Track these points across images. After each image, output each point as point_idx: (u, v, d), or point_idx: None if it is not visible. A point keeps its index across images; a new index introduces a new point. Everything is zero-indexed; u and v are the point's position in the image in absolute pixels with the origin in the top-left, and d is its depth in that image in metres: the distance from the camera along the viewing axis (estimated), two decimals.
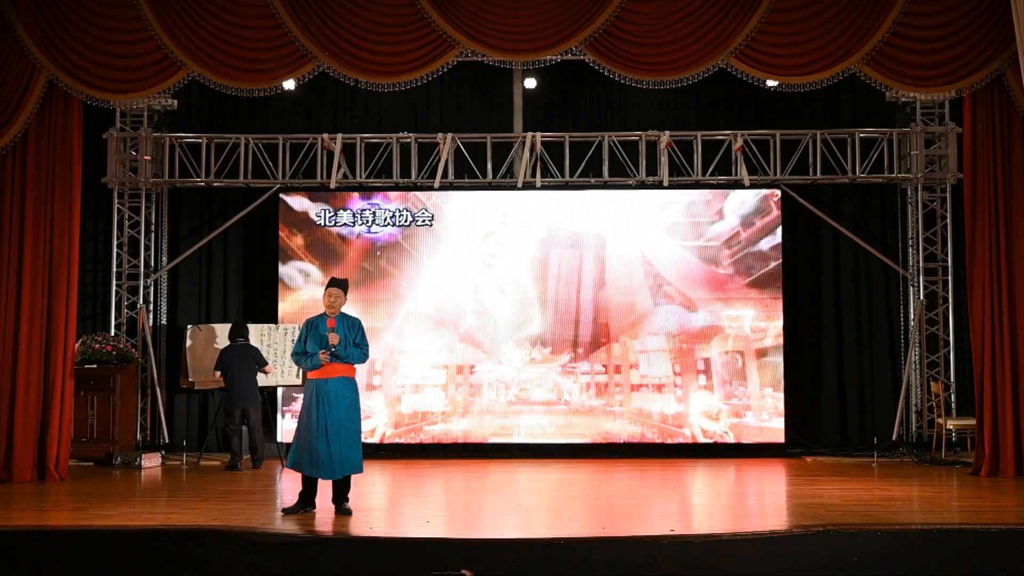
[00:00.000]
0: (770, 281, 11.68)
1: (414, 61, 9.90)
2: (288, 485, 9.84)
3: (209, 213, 12.44)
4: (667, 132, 11.66)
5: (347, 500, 7.85)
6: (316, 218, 11.88)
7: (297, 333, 11.21)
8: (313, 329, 7.83)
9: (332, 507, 7.81)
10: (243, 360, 10.79)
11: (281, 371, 11.31)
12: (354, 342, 7.83)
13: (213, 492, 9.10)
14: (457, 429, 11.75)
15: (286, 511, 7.79)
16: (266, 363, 10.92)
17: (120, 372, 11.23)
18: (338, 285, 7.88)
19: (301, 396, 8.02)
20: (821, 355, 12.21)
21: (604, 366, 11.76)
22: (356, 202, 11.90)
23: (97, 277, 12.33)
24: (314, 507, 7.84)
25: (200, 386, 11.27)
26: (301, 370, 11.22)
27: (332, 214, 11.88)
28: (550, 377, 11.81)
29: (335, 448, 7.64)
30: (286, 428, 11.71)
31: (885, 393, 12.08)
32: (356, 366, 7.91)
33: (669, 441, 11.63)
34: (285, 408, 11.73)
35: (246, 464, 10.81)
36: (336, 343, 7.69)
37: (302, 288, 11.86)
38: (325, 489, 7.87)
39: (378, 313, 11.81)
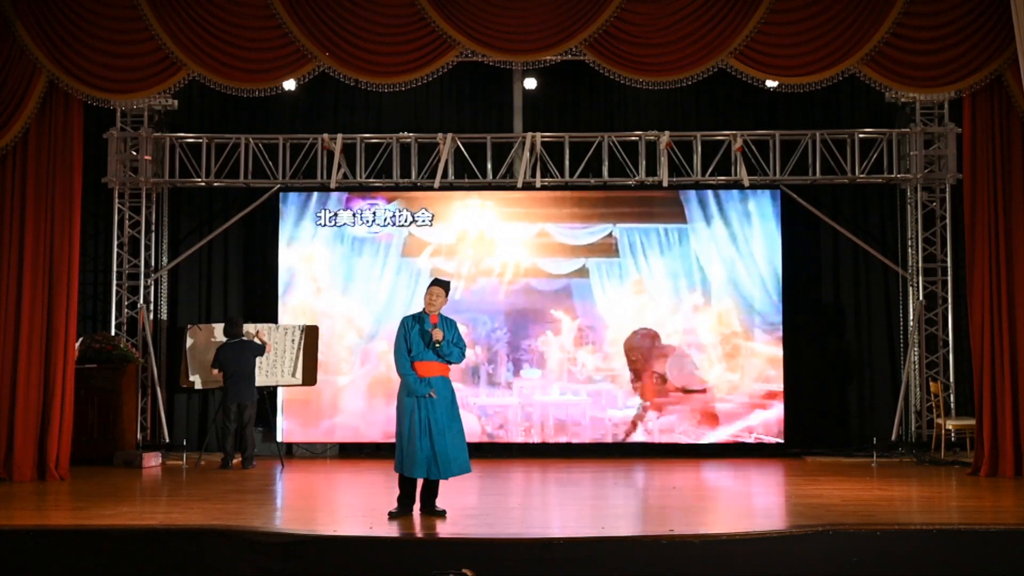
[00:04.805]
0: (770, 281, 11.69)
1: (414, 61, 9.90)
2: (289, 484, 9.85)
3: (209, 213, 12.44)
4: (667, 132, 11.66)
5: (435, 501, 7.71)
6: (316, 218, 11.89)
7: (296, 333, 11.31)
8: (415, 328, 7.66)
9: (331, 507, 7.79)
10: (240, 356, 10.80)
11: (281, 371, 11.31)
12: (452, 341, 7.70)
13: (213, 492, 9.09)
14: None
15: (392, 514, 7.57)
16: (263, 350, 10.91)
17: (120, 372, 11.23)
18: (441, 285, 7.75)
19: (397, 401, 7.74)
20: (821, 355, 12.21)
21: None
22: (356, 202, 11.90)
23: (97, 277, 12.33)
24: (411, 510, 7.67)
25: (201, 385, 11.26)
26: (299, 370, 11.28)
27: (332, 214, 11.88)
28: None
29: (440, 448, 7.50)
30: (286, 428, 11.74)
31: (885, 393, 12.09)
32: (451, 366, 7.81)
33: (669, 441, 11.64)
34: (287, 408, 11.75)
35: (238, 464, 10.80)
36: (441, 339, 7.59)
37: (302, 288, 11.86)
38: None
39: (378, 313, 11.82)
